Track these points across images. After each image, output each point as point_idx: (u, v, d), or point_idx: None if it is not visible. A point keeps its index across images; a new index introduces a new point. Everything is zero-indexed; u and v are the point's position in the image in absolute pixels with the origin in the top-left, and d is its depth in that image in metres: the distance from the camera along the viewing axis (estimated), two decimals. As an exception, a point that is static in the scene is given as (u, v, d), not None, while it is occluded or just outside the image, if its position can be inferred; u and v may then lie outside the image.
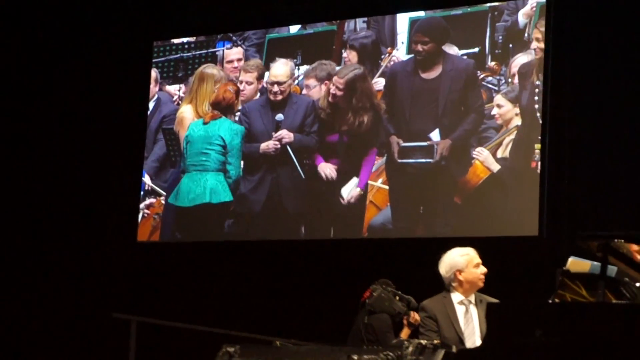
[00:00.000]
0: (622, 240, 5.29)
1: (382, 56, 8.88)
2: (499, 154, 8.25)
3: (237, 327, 6.36)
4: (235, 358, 5.62)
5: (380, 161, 8.71)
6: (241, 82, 9.39)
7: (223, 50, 9.57)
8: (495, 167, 8.24)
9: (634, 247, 5.44)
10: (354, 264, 8.41)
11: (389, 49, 8.86)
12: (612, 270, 5.44)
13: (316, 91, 9.07)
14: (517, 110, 8.24)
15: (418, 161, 8.55)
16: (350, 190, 8.77)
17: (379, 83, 8.84)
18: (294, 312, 8.52)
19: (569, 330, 4.94)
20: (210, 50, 9.64)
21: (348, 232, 8.74)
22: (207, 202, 9.28)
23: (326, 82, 9.04)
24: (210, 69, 9.55)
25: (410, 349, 5.26)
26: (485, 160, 8.27)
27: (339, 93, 8.95)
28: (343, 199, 8.77)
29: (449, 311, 6.34)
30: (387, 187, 8.66)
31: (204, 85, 9.51)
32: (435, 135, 8.52)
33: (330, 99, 8.99)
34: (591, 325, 4.92)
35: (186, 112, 9.52)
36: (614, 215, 7.51)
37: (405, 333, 6.29)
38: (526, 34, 8.33)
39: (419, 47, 8.72)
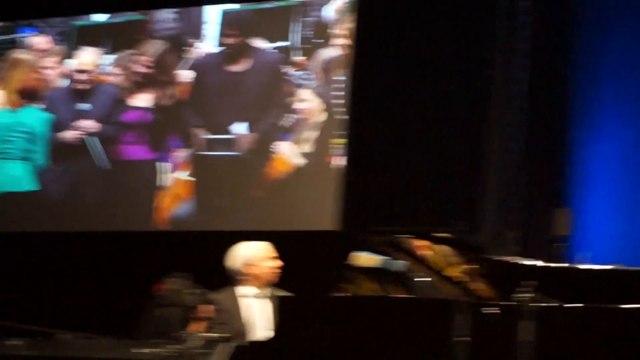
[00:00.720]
0: (407, 236, 5.41)
1: (186, 48, 8.82)
2: (302, 149, 8.31)
3: (25, 319, 6.21)
4: (18, 351, 5.52)
5: (185, 153, 8.67)
6: (46, 69, 9.21)
7: (28, 36, 9.36)
8: (298, 161, 8.30)
9: (418, 242, 5.56)
10: (152, 255, 8.33)
11: (192, 40, 8.81)
12: (403, 265, 5.54)
13: (122, 79, 8.96)
14: (322, 105, 8.32)
15: (222, 154, 8.55)
16: (168, 178, 8.68)
17: (185, 75, 8.78)
18: (83, 305, 8.40)
19: (350, 323, 5.02)
20: (12, 36, 9.42)
21: (149, 224, 8.67)
22: (11, 191, 9.10)
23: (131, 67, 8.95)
24: (22, 55, 9.35)
25: (196, 342, 5.27)
26: (288, 154, 8.32)
27: (147, 71, 8.85)
28: (159, 187, 8.68)
29: (239, 304, 6.32)
30: (191, 178, 8.64)
31: (15, 71, 9.31)
32: (240, 128, 8.53)
33: (135, 78, 8.88)
34: (373, 318, 5.01)
35: (-6, 97, 9.32)
36: (412, 211, 7.66)
37: (195, 326, 6.25)
38: (332, 30, 8.42)
39: (228, 40, 8.72)
